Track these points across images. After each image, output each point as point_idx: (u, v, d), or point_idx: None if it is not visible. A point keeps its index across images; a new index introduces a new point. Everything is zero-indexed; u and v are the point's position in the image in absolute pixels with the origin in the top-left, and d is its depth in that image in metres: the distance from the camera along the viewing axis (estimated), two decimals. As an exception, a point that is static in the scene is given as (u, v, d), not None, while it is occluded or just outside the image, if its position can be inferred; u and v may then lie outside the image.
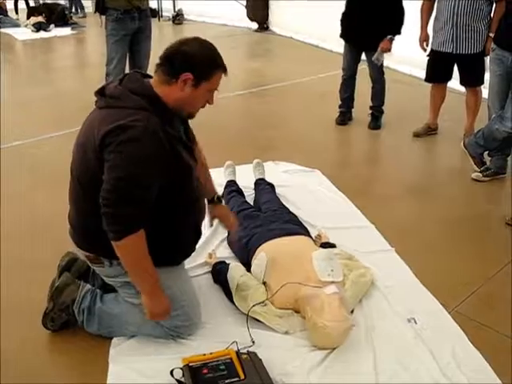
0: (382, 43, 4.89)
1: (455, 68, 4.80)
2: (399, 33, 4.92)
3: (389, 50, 4.96)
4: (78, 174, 2.27)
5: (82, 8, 13.00)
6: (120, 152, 2.05)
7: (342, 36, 5.22)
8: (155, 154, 2.09)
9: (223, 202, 2.80)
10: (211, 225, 2.93)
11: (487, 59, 4.47)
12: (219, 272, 2.81)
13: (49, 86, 7.00)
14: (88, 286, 2.54)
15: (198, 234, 2.56)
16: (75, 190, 2.33)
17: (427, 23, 4.88)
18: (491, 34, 4.40)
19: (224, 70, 2.25)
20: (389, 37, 4.88)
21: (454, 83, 5.12)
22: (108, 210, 2.09)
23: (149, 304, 2.27)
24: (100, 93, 2.24)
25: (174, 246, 2.40)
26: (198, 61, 2.16)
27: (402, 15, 4.86)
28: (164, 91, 2.18)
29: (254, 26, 10.53)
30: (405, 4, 4.88)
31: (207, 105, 2.33)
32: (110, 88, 2.22)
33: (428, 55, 4.90)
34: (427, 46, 4.91)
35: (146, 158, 2.07)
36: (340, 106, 5.46)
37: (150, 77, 2.28)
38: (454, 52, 4.60)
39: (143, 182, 2.09)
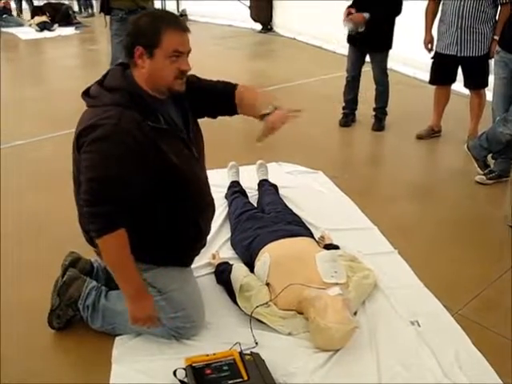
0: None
1: (459, 70, 4.80)
2: (380, 19, 4.87)
3: (354, 20, 4.85)
4: (74, 175, 2.28)
5: (91, 7, 13.04)
6: (90, 152, 2.05)
7: (348, 40, 5.21)
8: (127, 152, 2.05)
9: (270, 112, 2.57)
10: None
11: (492, 62, 4.46)
12: (222, 273, 2.81)
13: (52, 86, 7.02)
14: (94, 283, 2.54)
15: (202, 232, 2.52)
16: (75, 190, 2.33)
17: (432, 25, 4.87)
18: (496, 37, 4.39)
19: (177, 26, 2.12)
20: (365, 14, 4.82)
21: (458, 86, 5.11)
22: (86, 209, 2.10)
23: (131, 307, 2.25)
24: (85, 93, 2.24)
25: (175, 244, 2.38)
26: (139, 30, 2.11)
27: (399, 11, 4.89)
28: (136, 76, 2.17)
29: (258, 26, 10.53)
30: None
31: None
32: (92, 88, 2.22)
33: (432, 57, 4.90)
34: (432, 47, 4.90)
35: (116, 156, 2.04)
36: (343, 108, 5.45)
37: None
38: (459, 54, 4.60)
39: (116, 180, 2.06)
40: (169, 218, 2.30)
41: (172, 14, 2.22)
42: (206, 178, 2.51)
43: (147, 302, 2.27)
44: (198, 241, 2.53)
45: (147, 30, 2.10)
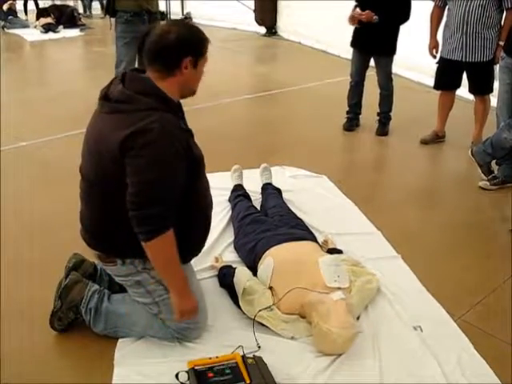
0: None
1: (464, 76, 4.80)
2: (392, 23, 4.91)
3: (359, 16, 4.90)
4: (92, 179, 2.27)
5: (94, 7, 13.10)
6: (141, 156, 2.07)
7: (352, 44, 5.22)
8: (174, 153, 2.11)
9: None
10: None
11: (497, 67, 4.46)
12: (225, 276, 2.81)
13: (57, 87, 7.02)
14: (96, 286, 2.55)
15: (210, 225, 2.54)
16: (88, 192, 2.33)
17: (437, 30, 4.88)
18: (501, 43, 4.40)
19: (208, 39, 2.26)
20: (375, 17, 4.84)
21: (462, 91, 5.11)
22: (136, 212, 2.12)
23: (179, 302, 2.29)
24: (104, 98, 2.23)
25: (187, 240, 2.36)
26: (191, 42, 2.18)
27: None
28: (167, 85, 2.19)
29: (262, 30, 10.54)
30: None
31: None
32: (114, 92, 2.20)
33: (437, 62, 4.90)
34: (437, 53, 4.90)
35: (166, 159, 2.09)
36: (347, 112, 5.46)
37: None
38: (464, 60, 4.60)
39: (166, 182, 2.12)
40: (186, 213, 2.31)
41: (194, 24, 2.29)
42: None
43: (192, 294, 2.33)
44: (206, 234, 2.55)
45: (197, 42, 2.20)
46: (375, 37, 4.91)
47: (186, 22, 2.30)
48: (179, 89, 2.23)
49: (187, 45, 2.16)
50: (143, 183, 2.09)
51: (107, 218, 2.27)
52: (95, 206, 2.33)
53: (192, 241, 2.43)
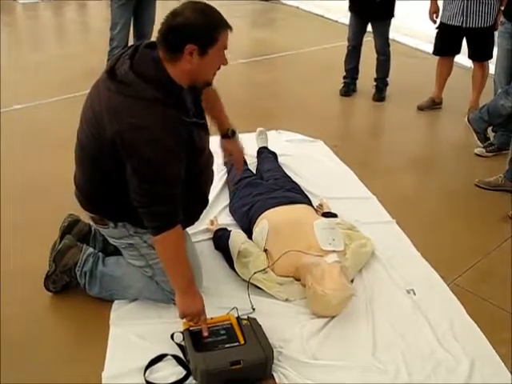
0: None
1: (464, 42, 4.75)
2: None
3: None
4: (87, 146, 2.22)
5: None
6: (142, 155, 2.01)
7: (350, 8, 5.15)
8: (176, 150, 2.06)
9: (237, 136, 2.73)
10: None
11: (497, 33, 4.41)
12: (220, 238, 2.82)
13: (51, 50, 6.93)
14: (90, 250, 2.55)
15: (206, 203, 2.55)
16: (82, 156, 2.30)
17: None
18: (502, 8, 4.34)
19: (227, 26, 2.09)
20: None
21: (460, 58, 5.07)
22: (144, 210, 2.12)
23: (182, 302, 2.22)
24: (109, 73, 2.12)
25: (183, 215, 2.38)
26: (197, 30, 2.00)
27: None
28: (173, 70, 2.08)
29: (260, -6, 10.38)
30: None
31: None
32: (121, 71, 2.08)
33: (437, 28, 4.84)
34: (437, 18, 4.84)
35: (168, 157, 2.04)
36: (344, 77, 5.41)
37: None
38: (464, 25, 4.54)
39: (170, 179, 2.09)
40: (183, 191, 2.26)
41: (214, 8, 2.13)
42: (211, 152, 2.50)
43: (198, 296, 2.26)
44: (202, 210, 2.56)
45: (205, 30, 2.02)
46: (373, 2, 4.85)
47: (204, 5, 2.08)
48: (188, 77, 2.10)
49: (192, 31, 2.01)
50: (146, 184, 2.06)
51: (98, 182, 2.26)
52: (87, 170, 2.31)
53: (188, 215, 2.38)
